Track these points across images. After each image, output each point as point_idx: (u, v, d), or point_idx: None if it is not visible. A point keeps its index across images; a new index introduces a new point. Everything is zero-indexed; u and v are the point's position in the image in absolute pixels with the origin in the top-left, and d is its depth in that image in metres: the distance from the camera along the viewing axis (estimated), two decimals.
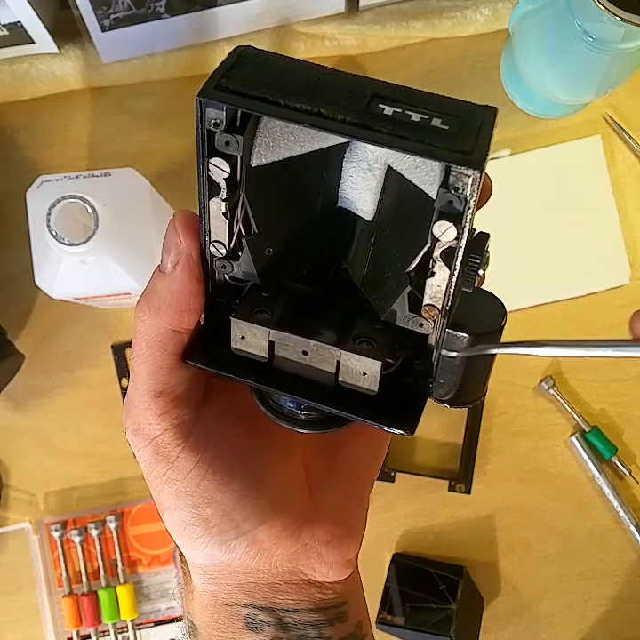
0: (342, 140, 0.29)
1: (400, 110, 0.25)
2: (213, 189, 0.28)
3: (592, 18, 0.55)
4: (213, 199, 0.29)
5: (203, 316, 0.32)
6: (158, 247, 0.62)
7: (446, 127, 0.25)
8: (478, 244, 0.28)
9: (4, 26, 0.67)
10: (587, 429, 0.71)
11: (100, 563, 0.71)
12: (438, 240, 0.27)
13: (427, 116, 0.25)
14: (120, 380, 0.73)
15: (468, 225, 0.26)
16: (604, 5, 0.53)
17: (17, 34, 0.68)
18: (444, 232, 0.26)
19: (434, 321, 0.29)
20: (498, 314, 0.30)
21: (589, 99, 0.70)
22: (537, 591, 0.72)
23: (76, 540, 0.71)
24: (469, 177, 0.25)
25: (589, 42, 0.57)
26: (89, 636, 0.71)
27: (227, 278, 0.31)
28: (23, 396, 0.73)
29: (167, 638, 0.72)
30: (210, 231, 0.30)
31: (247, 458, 0.32)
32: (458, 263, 0.27)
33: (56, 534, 0.71)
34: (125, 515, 0.72)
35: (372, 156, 0.30)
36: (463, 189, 0.25)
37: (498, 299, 0.30)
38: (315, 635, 0.33)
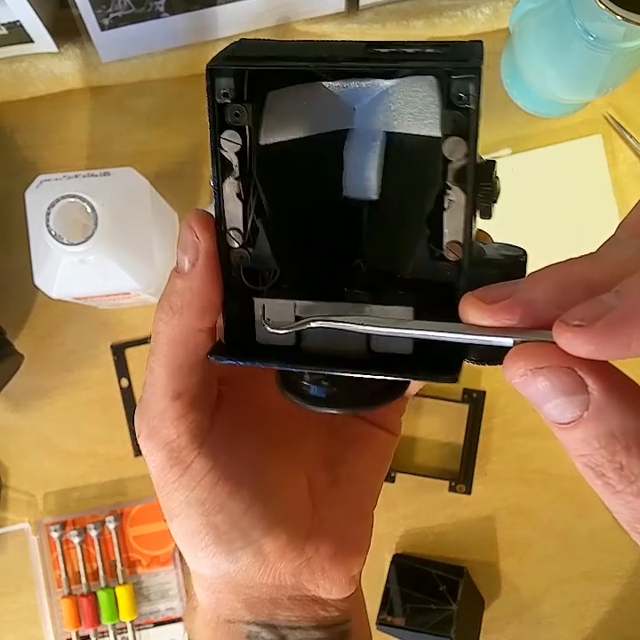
0: (344, 126, 0.31)
1: (395, 49, 0.28)
2: (226, 170, 0.29)
3: (593, 17, 0.55)
4: (227, 180, 0.29)
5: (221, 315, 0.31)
6: (158, 247, 0.62)
7: (440, 51, 0.28)
8: (487, 170, 0.28)
9: (3, 25, 0.67)
10: None
11: (100, 563, 0.71)
12: (450, 161, 0.27)
13: (420, 48, 0.28)
14: (119, 380, 0.73)
15: (475, 132, 0.27)
16: (604, 4, 0.53)
17: (16, 33, 0.68)
18: (455, 149, 0.27)
19: (457, 262, 0.29)
20: (517, 250, 0.30)
21: (590, 98, 0.70)
22: (537, 592, 0.72)
23: (76, 540, 0.71)
24: (471, 80, 0.26)
25: (590, 41, 0.57)
26: (88, 637, 0.71)
27: (243, 279, 0.31)
28: (23, 396, 0.73)
29: (167, 639, 0.72)
30: (225, 219, 0.30)
31: (255, 467, 0.32)
32: (471, 181, 0.27)
33: (55, 535, 0.71)
34: (125, 515, 0.72)
35: (369, 136, 0.31)
36: (465, 98, 0.27)
37: (513, 245, 0.30)
38: None
